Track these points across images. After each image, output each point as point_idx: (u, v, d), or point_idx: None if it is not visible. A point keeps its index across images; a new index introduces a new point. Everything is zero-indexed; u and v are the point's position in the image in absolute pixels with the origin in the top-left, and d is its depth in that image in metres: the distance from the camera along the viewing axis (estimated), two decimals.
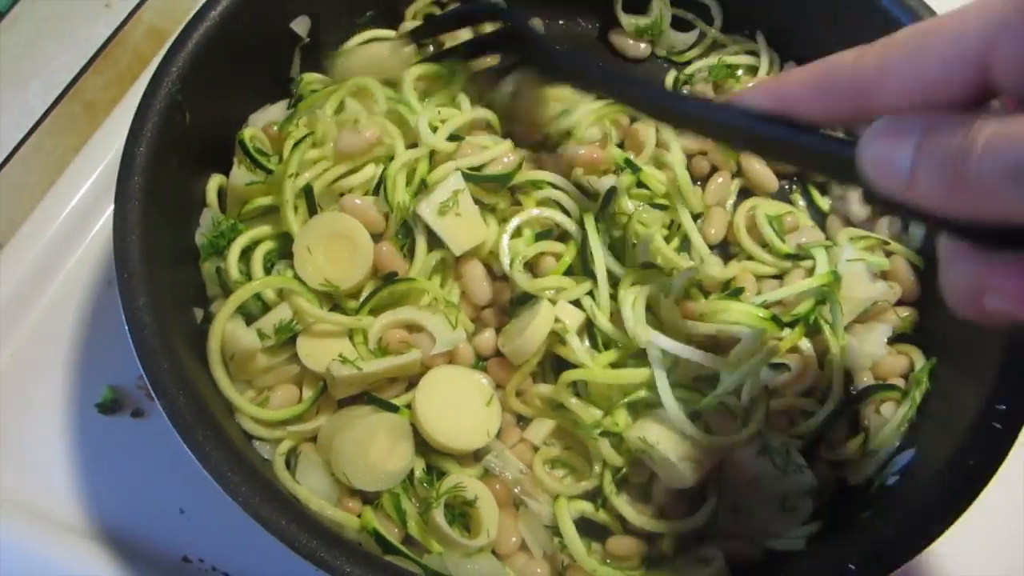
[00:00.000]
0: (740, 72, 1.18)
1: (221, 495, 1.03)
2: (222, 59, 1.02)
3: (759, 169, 1.13)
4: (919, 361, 0.97)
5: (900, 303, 1.03)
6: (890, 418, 0.93)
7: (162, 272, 0.91)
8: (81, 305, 1.16)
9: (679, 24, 1.26)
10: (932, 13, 1.01)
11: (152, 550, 1.02)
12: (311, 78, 1.13)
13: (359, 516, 0.91)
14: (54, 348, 1.13)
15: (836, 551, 0.78)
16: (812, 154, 0.62)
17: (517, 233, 1.01)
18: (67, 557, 1.00)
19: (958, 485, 0.80)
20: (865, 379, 0.97)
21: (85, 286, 1.17)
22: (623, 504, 0.93)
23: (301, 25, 1.13)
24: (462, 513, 0.92)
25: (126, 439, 1.08)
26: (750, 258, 1.08)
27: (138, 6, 1.32)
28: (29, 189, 1.20)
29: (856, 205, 1.09)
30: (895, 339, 1.01)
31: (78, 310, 1.15)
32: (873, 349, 0.96)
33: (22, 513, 1.02)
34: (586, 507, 0.96)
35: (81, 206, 1.20)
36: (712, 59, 1.16)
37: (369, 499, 0.94)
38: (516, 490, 0.95)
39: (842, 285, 0.98)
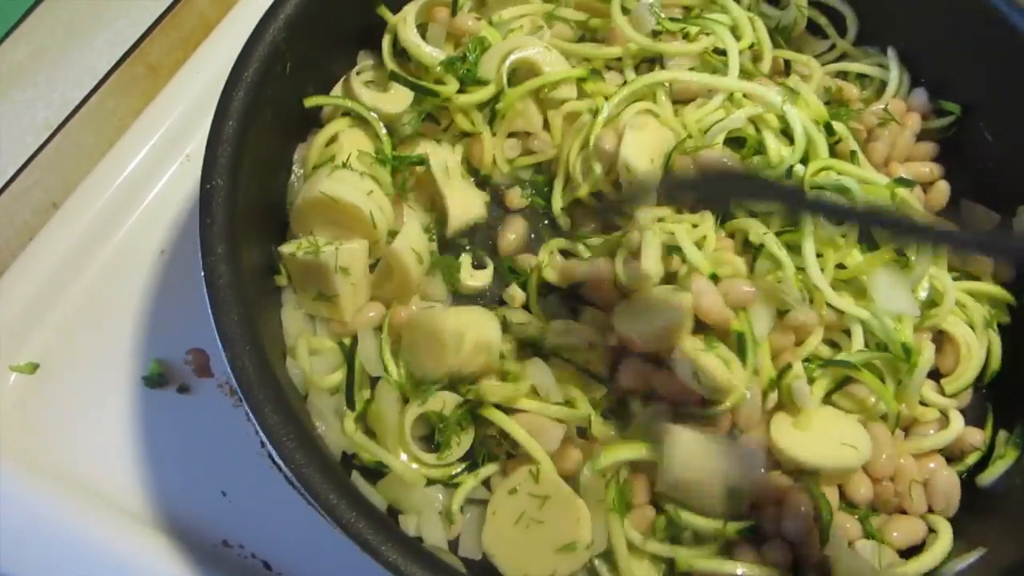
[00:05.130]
0: (866, 92, 1.17)
1: (264, 480, 1.01)
2: (326, 14, 1.00)
3: None
4: None
5: None
6: None
7: (242, 226, 0.87)
8: (133, 273, 1.13)
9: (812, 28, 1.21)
10: None
11: (193, 531, 0.99)
12: None
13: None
14: (103, 316, 1.10)
15: None
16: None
17: None
18: (106, 530, 0.98)
19: None
20: None
21: (138, 253, 1.14)
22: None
23: None
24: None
25: (171, 414, 1.05)
26: None
27: None
28: (88, 149, 1.17)
29: None
30: None
31: (129, 278, 1.13)
32: None
33: (63, 484, 1.00)
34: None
35: (139, 170, 1.17)
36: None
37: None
38: None
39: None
